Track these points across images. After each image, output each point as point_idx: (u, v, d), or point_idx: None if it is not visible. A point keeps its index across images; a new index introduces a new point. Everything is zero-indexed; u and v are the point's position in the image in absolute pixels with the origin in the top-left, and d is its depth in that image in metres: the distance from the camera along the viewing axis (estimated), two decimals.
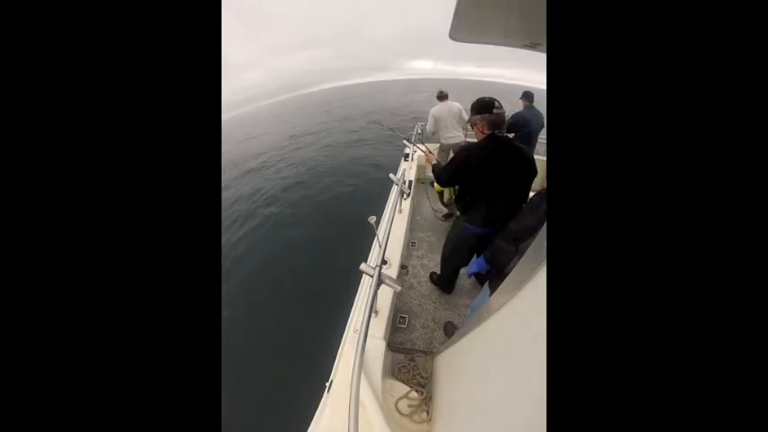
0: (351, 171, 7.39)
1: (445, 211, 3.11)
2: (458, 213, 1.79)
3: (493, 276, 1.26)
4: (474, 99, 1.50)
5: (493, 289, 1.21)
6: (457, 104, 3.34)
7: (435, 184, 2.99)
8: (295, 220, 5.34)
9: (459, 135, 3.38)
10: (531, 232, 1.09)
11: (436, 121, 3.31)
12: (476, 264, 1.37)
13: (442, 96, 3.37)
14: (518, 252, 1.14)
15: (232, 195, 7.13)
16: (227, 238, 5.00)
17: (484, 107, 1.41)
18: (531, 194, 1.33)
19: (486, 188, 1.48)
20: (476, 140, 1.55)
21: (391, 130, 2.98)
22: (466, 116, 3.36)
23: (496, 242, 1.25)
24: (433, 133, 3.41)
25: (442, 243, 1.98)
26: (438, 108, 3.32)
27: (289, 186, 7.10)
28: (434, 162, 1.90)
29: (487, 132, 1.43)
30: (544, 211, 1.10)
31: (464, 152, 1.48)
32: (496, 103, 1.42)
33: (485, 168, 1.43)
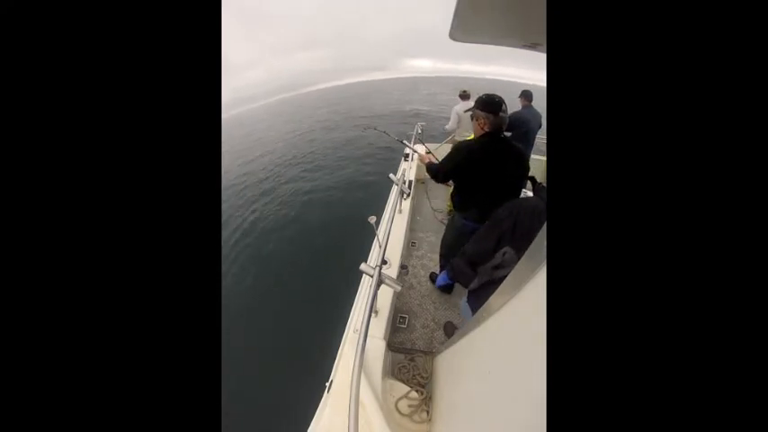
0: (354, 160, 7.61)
1: (446, 210, 3.11)
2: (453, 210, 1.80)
3: (471, 291, 1.27)
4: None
5: (471, 303, 1.21)
6: None
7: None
8: (295, 216, 5.35)
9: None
10: (488, 256, 1.10)
11: (460, 119, 3.45)
12: (441, 277, 1.39)
13: (465, 96, 3.51)
14: (477, 274, 1.15)
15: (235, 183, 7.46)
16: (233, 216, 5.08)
17: (492, 106, 1.39)
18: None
19: (484, 184, 1.50)
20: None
21: (385, 133, 2.96)
22: None
23: (456, 262, 1.26)
24: (454, 130, 3.54)
25: None
26: (461, 106, 3.45)
27: (288, 182, 7.17)
28: (427, 161, 1.88)
29: (487, 130, 1.43)
30: (499, 235, 1.10)
31: (465, 149, 1.49)
32: (504, 106, 1.42)
33: (485, 165, 1.45)
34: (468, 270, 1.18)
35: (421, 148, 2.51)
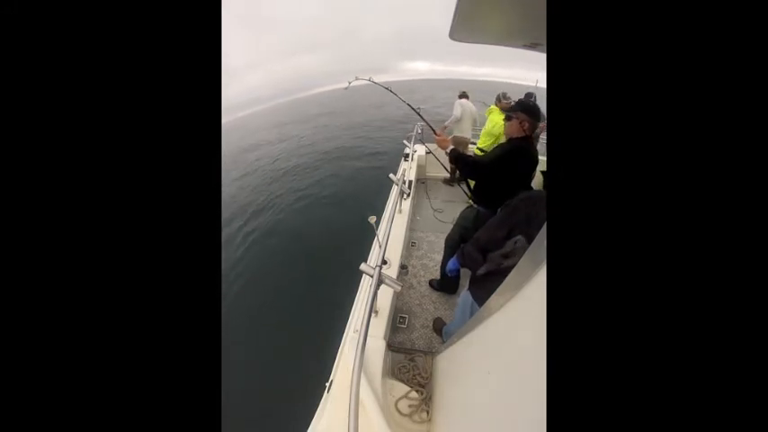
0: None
1: (444, 211, 3.12)
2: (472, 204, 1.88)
3: (474, 279, 1.29)
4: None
5: (473, 292, 1.23)
6: (474, 107, 3.70)
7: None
8: (295, 217, 5.35)
9: (470, 132, 3.71)
10: (499, 244, 1.14)
11: (463, 110, 3.62)
12: (452, 262, 1.46)
13: (464, 95, 3.76)
14: (486, 261, 1.18)
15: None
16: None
17: (538, 114, 1.53)
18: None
19: (514, 180, 1.62)
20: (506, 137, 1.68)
21: (386, 88, 2.74)
22: (478, 120, 3.73)
23: (466, 248, 1.29)
24: (457, 120, 3.68)
25: (442, 243, 1.96)
26: (463, 101, 3.67)
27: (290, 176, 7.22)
28: (452, 146, 1.76)
29: (526, 134, 1.57)
30: (512, 224, 1.14)
31: (511, 147, 1.61)
32: (543, 116, 1.61)
33: (521, 163, 1.61)
34: (479, 256, 1.22)
35: (421, 148, 2.47)
